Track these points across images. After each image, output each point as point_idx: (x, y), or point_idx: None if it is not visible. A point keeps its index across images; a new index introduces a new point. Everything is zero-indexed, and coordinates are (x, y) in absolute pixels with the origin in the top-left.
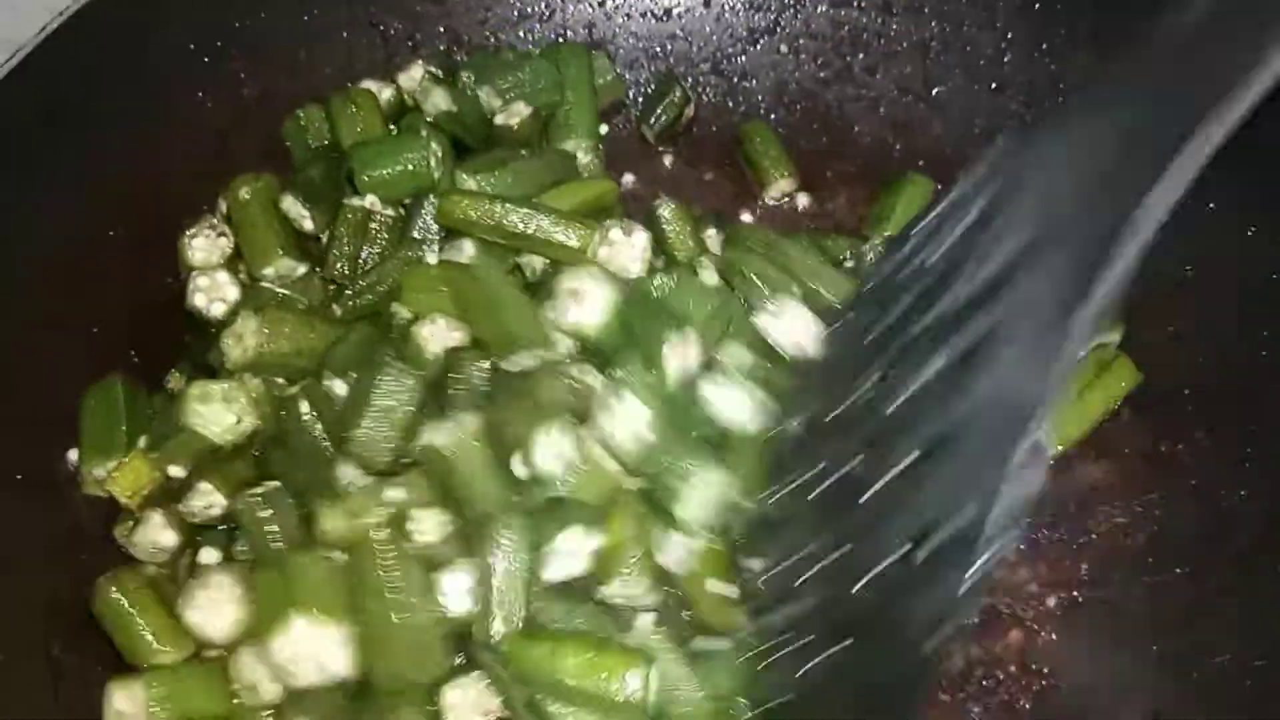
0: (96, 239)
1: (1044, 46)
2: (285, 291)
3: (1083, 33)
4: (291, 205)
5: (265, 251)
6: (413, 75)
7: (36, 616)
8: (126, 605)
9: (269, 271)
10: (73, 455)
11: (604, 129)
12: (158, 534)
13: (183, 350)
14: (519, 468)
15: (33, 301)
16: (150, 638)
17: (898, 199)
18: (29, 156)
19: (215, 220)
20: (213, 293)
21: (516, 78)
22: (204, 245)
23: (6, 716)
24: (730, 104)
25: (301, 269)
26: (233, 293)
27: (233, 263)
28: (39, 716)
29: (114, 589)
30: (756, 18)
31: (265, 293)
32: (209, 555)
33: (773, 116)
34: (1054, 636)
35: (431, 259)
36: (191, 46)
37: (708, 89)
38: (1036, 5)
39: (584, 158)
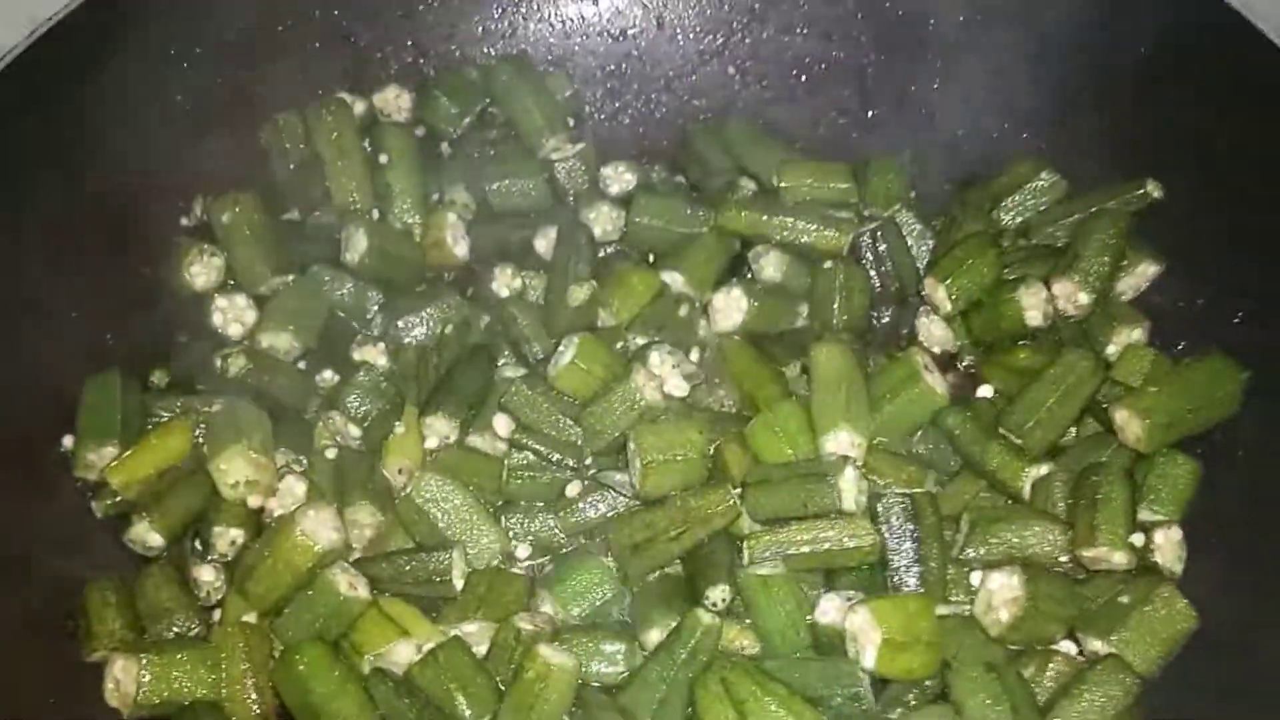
0: (77, 230)
1: (975, 78)
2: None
3: (1017, 65)
4: None
5: (258, 274)
6: (386, 95)
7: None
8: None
9: (263, 290)
10: (67, 441)
11: None
12: (145, 535)
13: (168, 347)
14: None
15: (13, 292)
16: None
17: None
18: (13, 151)
19: (205, 245)
20: (230, 314)
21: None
22: (201, 270)
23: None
24: (680, 120)
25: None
26: (250, 316)
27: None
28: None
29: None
30: (706, 40)
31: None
32: None
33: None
34: None
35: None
36: (171, 52)
37: (660, 106)
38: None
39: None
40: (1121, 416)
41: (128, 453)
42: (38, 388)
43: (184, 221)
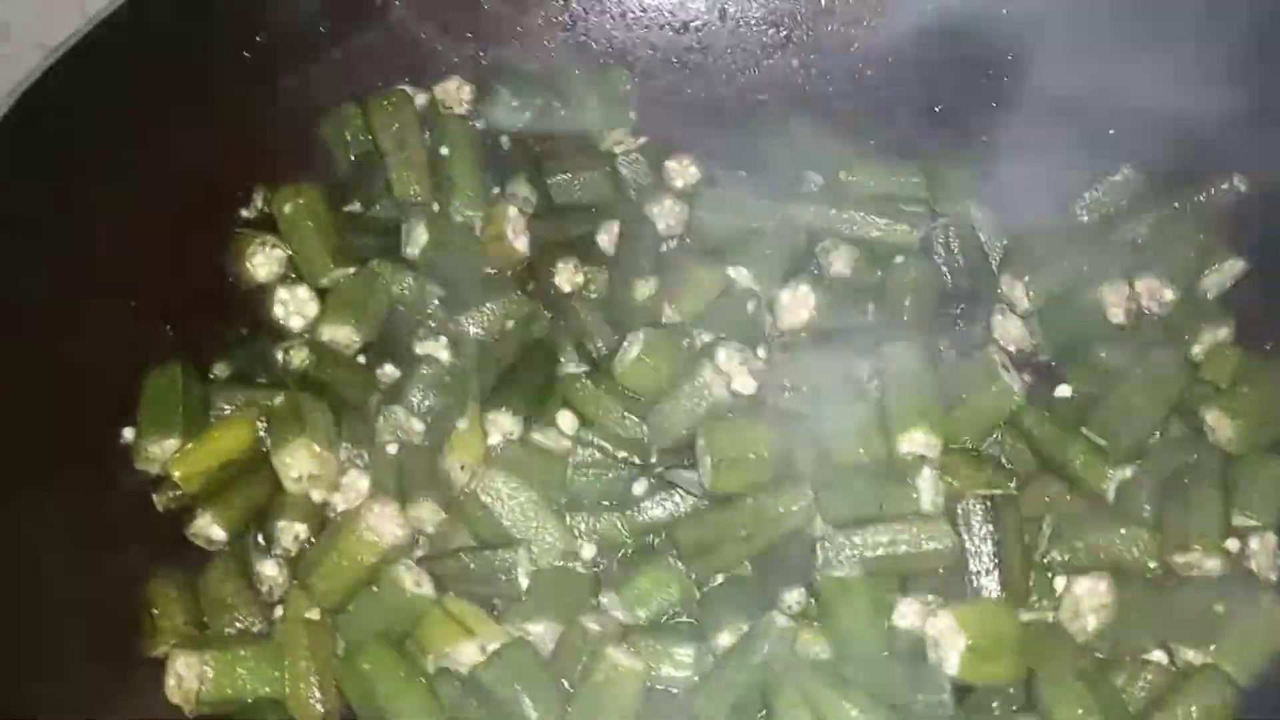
0: (138, 221)
1: (1046, 69)
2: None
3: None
4: None
5: (321, 265)
6: (447, 87)
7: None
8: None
9: (324, 282)
10: (128, 433)
11: None
12: (208, 529)
13: (229, 339)
14: None
15: (74, 283)
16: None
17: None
18: (78, 144)
19: (267, 237)
20: (292, 306)
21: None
22: (263, 261)
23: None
24: (744, 114)
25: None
26: (312, 308)
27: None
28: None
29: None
30: (770, 33)
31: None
32: None
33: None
34: None
35: None
36: (234, 44)
37: (723, 99)
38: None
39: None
40: (1212, 417)
41: (190, 445)
42: (98, 380)
43: (244, 213)
